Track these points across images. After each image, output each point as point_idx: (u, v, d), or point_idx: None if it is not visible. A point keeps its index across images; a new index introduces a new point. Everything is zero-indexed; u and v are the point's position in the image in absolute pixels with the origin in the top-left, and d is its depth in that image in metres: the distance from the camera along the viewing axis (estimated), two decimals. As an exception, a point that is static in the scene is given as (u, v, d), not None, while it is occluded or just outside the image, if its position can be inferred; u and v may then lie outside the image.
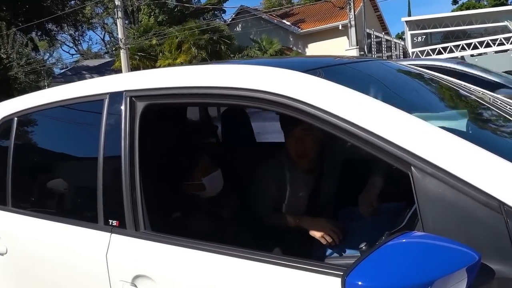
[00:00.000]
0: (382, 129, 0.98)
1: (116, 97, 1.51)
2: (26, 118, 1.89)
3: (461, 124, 1.21)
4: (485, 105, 1.59)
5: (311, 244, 1.89)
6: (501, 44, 19.51)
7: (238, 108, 2.47)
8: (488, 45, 19.60)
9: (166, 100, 1.45)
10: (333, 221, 1.88)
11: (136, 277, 1.34)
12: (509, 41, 19.32)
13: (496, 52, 20.91)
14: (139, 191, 1.40)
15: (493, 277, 0.82)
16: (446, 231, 0.87)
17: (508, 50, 20.83)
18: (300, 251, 1.88)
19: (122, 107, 1.48)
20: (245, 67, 1.33)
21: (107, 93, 1.54)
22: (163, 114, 1.73)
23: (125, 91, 1.50)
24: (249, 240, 1.77)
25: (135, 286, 1.34)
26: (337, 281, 0.80)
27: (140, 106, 1.46)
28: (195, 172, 1.71)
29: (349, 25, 17.79)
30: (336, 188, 2.08)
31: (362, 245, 1.47)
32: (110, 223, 1.44)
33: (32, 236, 1.68)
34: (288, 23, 23.16)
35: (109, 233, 1.44)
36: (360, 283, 0.76)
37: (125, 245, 1.40)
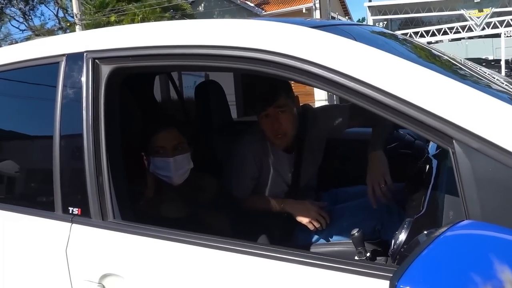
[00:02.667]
0: (415, 95, 0.80)
1: (75, 59, 1.24)
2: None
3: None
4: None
5: (294, 229, 1.73)
6: (457, 32, 20.17)
7: (212, 82, 2.25)
8: (445, 33, 20.18)
9: (139, 62, 1.19)
10: (319, 203, 1.73)
11: (105, 275, 1.10)
12: (464, 29, 19.99)
13: (451, 40, 21.61)
14: (106, 172, 1.16)
15: None
16: (499, 218, 0.71)
17: (462, 38, 21.59)
18: (283, 237, 1.72)
19: (84, 72, 1.22)
20: (235, 21, 1.10)
21: (64, 55, 1.27)
22: (133, 80, 1.48)
23: (87, 51, 1.23)
24: (228, 226, 1.59)
25: (103, 286, 1.11)
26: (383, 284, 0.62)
27: (105, 70, 1.21)
28: (158, 150, 1.45)
29: (313, 7, 17.68)
30: (320, 168, 1.91)
31: (354, 232, 1.33)
32: (71, 211, 1.19)
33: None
34: (252, 4, 22.73)
35: (69, 223, 1.19)
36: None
37: (89, 237, 1.16)
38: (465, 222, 0.67)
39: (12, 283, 1.29)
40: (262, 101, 1.64)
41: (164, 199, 1.51)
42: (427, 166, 1.35)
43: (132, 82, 1.76)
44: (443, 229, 0.64)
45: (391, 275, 0.60)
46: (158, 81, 2.50)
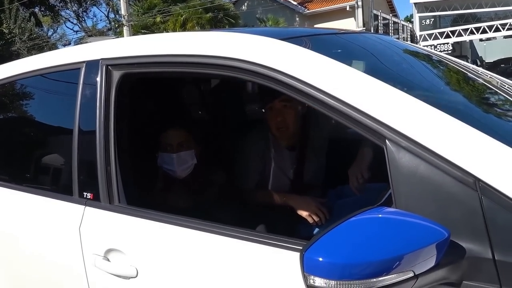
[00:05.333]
0: (356, 99, 0.92)
1: (92, 65, 1.45)
2: (1, 88, 1.83)
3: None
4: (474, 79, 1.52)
5: (297, 222, 1.86)
6: (511, 29, 19.11)
7: (229, 82, 2.42)
8: (497, 30, 19.21)
9: (143, 69, 1.38)
10: (320, 200, 1.84)
11: (109, 250, 1.30)
12: (519, 25, 18.92)
13: (506, 37, 20.51)
14: (113, 163, 1.36)
15: (464, 255, 0.77)
16: (419, 208, 0.82)
17: (518, 35, 20.45)
18: (286, 230, 1.85)
19: (98, 76, 1.42)
20: (221, 34, 1.26)
21: (84, 62, 1.48)
22: (143, 84, 1.67)
23: (102, 59, 1.44)
24: (232, 218, 1.74)
25: (108, 259, 1.31)
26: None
27: (116, 75, 1.40)
28: (165, 147, 1.65)
29: (356, 5, 17.44)
30: (323, 165, 2.02)
31: None
32: (85, 196, 1.41)
33: (6, 208, 1.64)
34: (295, 2, 22.76)
35: (83, 206, 1.40)
36: (320, 259, 0.72)
37: (98, 218, 1.36)
38: (378, 208, 0.78)
39: (34, 254, 1.52)
40: (269, 94, 1.76)
41: (174, 190, 1.70)
42: None
43: (149, 82, 1.98)
44: (356, 212, 0.76)
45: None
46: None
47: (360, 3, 16.89)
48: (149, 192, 1.61)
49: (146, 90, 1.79)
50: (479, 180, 0.78)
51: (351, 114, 0.93)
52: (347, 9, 20.16)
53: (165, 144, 1.67)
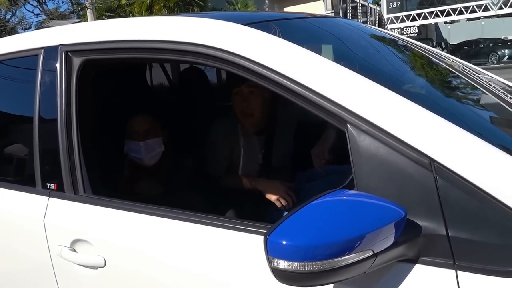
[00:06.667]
0: (318, 84, 0.93)
1: (51, 52, 1.40)
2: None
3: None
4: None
5: (266, 206, 1.88)
6: (473, 11, 19.65)
7: (197, 67, 2.39)
8: (461, 12, 19.70)
9: (104, 55, 1.35)
10: (288, 184, 1.87)
11: (75, 241, 1.28)
12: (480, 8, 19.47)
13: (468, 19, 21.08)
14: (77, 152, 1.33)
15: (420, 233, 0.80)
16: (379, 189, 0.85)
17: (479, 18, 21.05)
18: (256, 214, 1.87)
19: (58, 63, 1.38)
20: (185, 19, 1.24)
21: (42, 48, 1.43)
22: (107, 70, 1.64)
23: (60, 45, 1.39)
24: (202, 204, 1.74)
25: (74, 250, 1.29)
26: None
27: (76, 61, 1.36)
28: (132, 134, 1.62)
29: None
30: (291, 149, 2.05)
31: None
32: (48, 187, 1.37)
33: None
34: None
35: (47, 197, 1.36)
36: (284, 242, 0.73)
37: (63, 209, 1.33)
38: (338, 191, 0.81)
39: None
40: (235, 79, 1.75)
41: (141, 178, 1.68)
42: None
43: (117, 72, 1.93)
44: (318, 196, 0.78)
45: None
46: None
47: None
48: (115, 181, 1.59)
49: (111, 76, 1.75)
50: (434, 161, 0.81)
51: (314, 99, 0.94)
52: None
53: (131, 132, 1.64)
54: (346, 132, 0.91)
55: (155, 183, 1.69)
